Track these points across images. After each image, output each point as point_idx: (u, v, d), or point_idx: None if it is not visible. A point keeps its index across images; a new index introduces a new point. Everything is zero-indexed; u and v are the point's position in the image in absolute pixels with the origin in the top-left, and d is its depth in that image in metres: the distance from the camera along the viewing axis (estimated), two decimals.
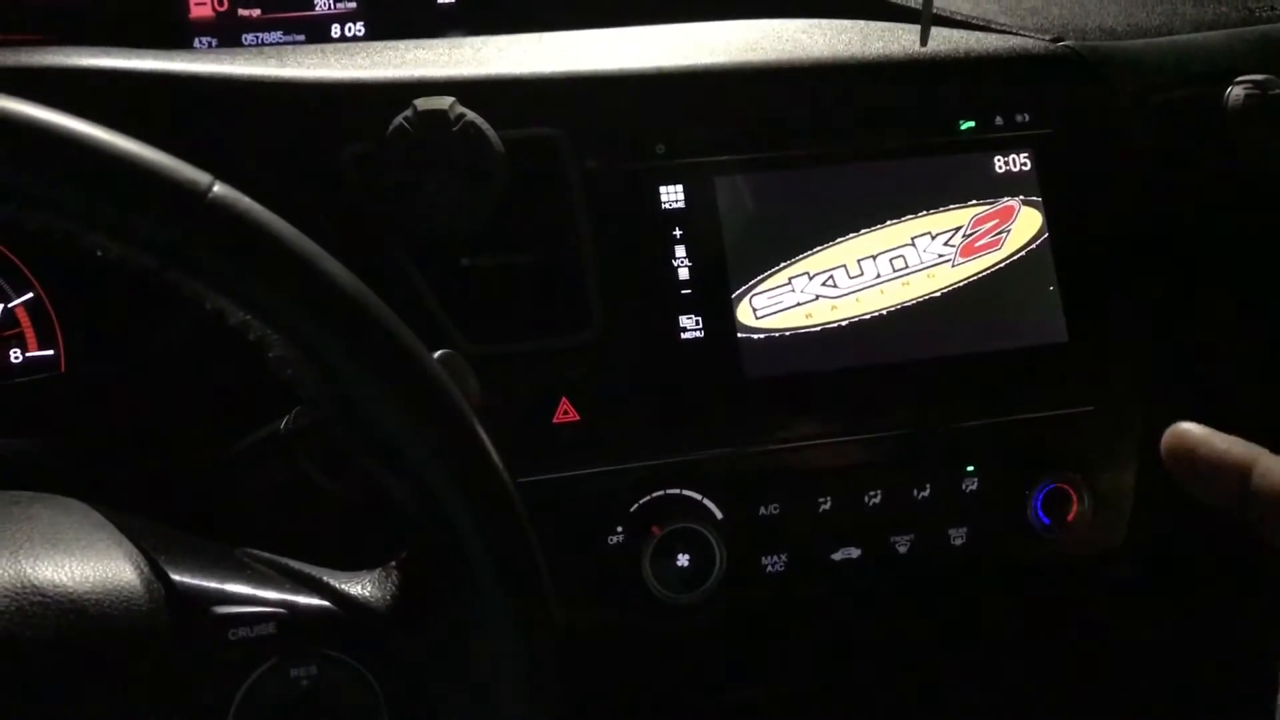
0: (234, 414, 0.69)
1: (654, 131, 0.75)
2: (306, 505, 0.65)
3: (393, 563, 0.51)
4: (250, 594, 0.49)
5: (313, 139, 0.73)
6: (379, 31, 0.96)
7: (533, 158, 0.73)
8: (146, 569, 0.48)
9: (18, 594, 0.45)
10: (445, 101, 0.69)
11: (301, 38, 0.96)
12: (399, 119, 0.69)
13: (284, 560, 0.52)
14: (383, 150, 0.69)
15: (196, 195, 0.44)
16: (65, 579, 0.46)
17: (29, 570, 0.46)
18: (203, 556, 0.50)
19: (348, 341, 0.46)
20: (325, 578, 0.51)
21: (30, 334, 0.80)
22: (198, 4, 0.94)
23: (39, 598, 0.45)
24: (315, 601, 0.49)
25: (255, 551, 0.52)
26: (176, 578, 0.48)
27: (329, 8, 0.95)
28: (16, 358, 0.80)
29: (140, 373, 0.76)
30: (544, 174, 0.74)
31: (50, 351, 0.80)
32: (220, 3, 0.94)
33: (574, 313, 0.74)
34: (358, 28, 0.96)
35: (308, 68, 0.74)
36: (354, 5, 0.96)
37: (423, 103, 0.69)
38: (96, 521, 0.51)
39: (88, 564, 0.47)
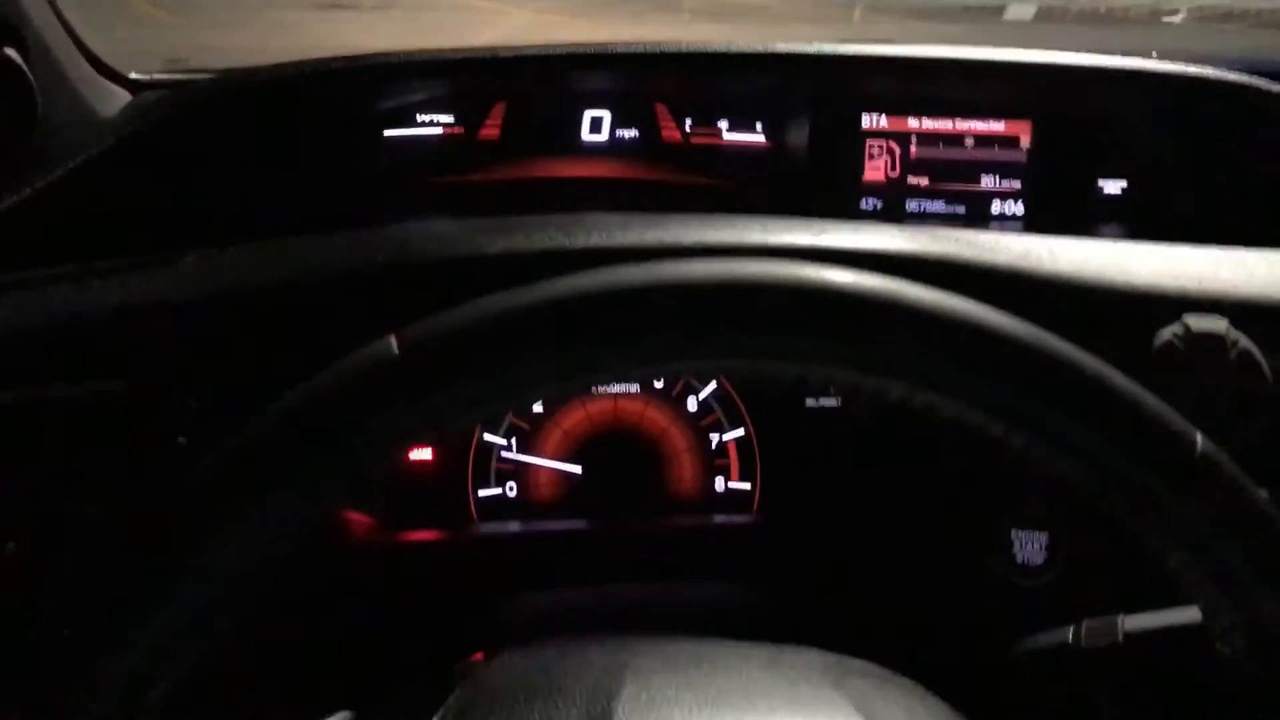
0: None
1: None
2: None
3: None
4: None
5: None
6: (1037, 214, 1.00)
7: None
8: None
9: None
10: (1220, 324, 0.71)
11: (961, 209, 1.01)
12: (1167, 333, 0.71)
13: None
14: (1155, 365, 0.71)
15: (1188, 447, 0.47)
16: None
17: None
18: None
19: None
20: None
21: (734, 468, 0.88)
22: (872, 167, 1.00)
23: None
24: None
25: None
26: None
27: (994, 185, 1.00)
28: (720, 488, 0.87)
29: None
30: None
31: (747, 485, 0.87)
32: (893, 168, 1.00)
33: None
34: (1017, 208, 1.00)
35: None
36: (1019, 185, 1.00)
37: (1196, 322, 0.71)
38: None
39: None
